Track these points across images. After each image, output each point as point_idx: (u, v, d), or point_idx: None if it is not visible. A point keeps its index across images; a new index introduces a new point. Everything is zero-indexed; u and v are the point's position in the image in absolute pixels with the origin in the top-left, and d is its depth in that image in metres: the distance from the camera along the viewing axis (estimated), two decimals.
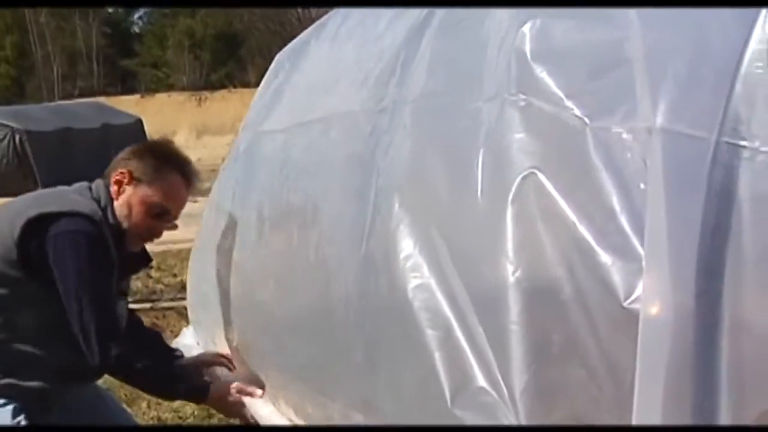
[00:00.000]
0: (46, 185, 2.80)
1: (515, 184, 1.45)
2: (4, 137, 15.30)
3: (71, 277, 1.99)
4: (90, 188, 2.16)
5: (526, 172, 1.45)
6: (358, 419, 1.75)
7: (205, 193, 3.19)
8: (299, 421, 2.09)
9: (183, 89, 42.62)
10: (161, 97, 40.34)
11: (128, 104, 29.73)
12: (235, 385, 2.23)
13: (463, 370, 1.41)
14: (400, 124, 1.85)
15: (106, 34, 52.57)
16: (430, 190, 1.69)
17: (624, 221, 1.29)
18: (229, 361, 2.52)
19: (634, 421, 1.16)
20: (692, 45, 1.44)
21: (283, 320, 2.19)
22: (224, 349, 2.61)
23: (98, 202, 2.11)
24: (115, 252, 2.10)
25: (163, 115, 29.73)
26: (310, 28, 2.88)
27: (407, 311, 1.56)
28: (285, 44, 3.13)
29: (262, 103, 2.88)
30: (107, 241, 2.05)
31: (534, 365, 1.32)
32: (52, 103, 26.27)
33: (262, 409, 2.21)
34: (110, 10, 50.83)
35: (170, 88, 44.83)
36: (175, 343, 2.91)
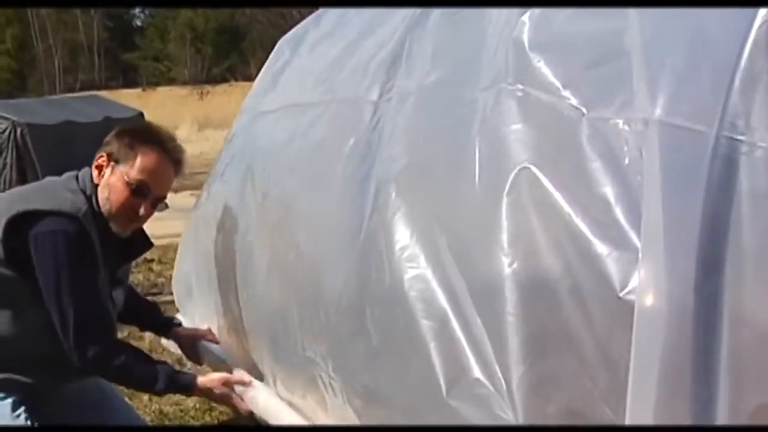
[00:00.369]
0: None
1: (512, 175, 1.45)
2: (5, 130, 15.30)
3: (51, 279, 1.98)
4: (77, 178, 2.15)
5: (522, 164, 1.45)
6: (357, 405, 1.75)
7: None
8: (298, 407, 2.07)
9: (185, 83, 42.62)
10: (163, 90, 40.34)
11: (130, 98, 29.72)
12: (220, 377, 2.20)
13: (459, 361, 1.41)
14: (398, 113, 1.85)
15: (108, 27, 52.58)
16: (427, 180, 1.69)
17: (620, 212, 1.29)
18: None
19: (628, 412, 1.16)
20: (691, 37, 1.43)
21: (277, 308, 2.18)
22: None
23: (84, 192, 2.10)
24: (102, 243, 2.07)
25: (165, 108, 29.72)
26: (310, 16, 2.88)
27: (404, 302, 1.55)
28: None
29: (261, 88, 2.88)
30: (89, 238, 2.03)
31: (530, 357, 1.32)
32: (54, 97, 26.28)
33: (260, 394, 2.19)
34: None
35: (172, 81, 44.82)
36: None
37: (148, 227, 2.33)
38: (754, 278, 1.23)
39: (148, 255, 6.67)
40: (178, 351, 2.71)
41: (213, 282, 2.61)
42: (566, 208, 1.35)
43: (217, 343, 2.60)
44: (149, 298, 5.50)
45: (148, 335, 4.51)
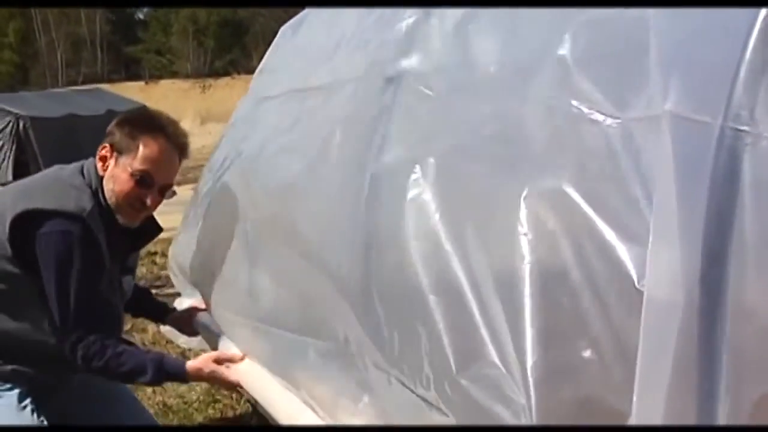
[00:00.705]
0: None
1: (530, 165, 1.46)
2: (8, 124, 15.32)
3: (53, 279, 1.98)
4: (83, 170, 2.13)
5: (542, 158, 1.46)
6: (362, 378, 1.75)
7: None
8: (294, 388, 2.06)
9: (187, 76, 42.63)
10: (165, 83, 40.36)
11: (132, 91, 29.79)
12: (209, 355, 2.19)
13: (474, 342, 1.41)
14: (410, 98, 1.84)
15: (110, 21, 52.57)
16: (447, 163, 1.67)
17: (638, 203, 1.29)
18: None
19: (635, 400, 1.17)
20: (699, 30, 1.44)
21: (281, 289, 2.18)
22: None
23: (90, 186, 2.09)
24: (110, 236, 2.07)
25: (168, 102, 29.72)
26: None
27: (418, 280, 1.56)
28: None
29: (263, 72, 2.87)
30: (93, 238, 2.02)
31: (546, 343, 1.32)
32: (56, 90, 26.30)
33: (251, 369, 2.17)
34: None
35: (174, 75, 44.83)
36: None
37: None
38: (756, 269, 1.23)
39: (151, 248, 6.72)
40: (182, 344, 2.72)
41: (213, 264, 2.60)
42: (584, 199, 1.35)
43: (210, 314, 2.59)
44: (153, 291, 5.54)
45: (152, 328, 4.53)
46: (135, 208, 2.12)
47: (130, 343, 2.16)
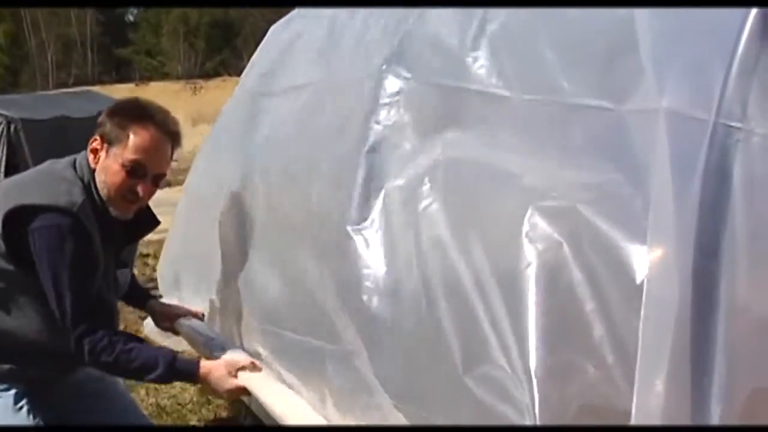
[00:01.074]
0: None
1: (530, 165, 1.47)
2: None
3: (48, 274, 1.97)
4: (75, 164, 2.11)
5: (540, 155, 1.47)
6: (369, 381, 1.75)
7: None
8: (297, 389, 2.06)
9: (178, 77, 42.59)
10: (156, 85, 40.29)
11: (123, 93, 29.61)
12: (226, 362, 2.12)
13: (479, 343, 1.42)
14: (403, 97, 1.84)
15: (101, 22, 52.41)
16: (450, 164, 1.68)
17: (637, 201, 1.30)
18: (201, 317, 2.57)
19: (635, 397, 1.18)
20: (693, 26, 1.45)
21: (278, 291, 2.18)
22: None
23: (82, 179, 2.08)
24: (104, 229, 2.05)
25: (158, 103, 29.62)
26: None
27: (422, 282, 1.56)
28: None
29: (254, 69, 2.86)
30: (85, 232, 2.00)
31: (550, 344, 1.33)
32: (47, 92, 26.21)
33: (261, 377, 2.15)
34: None
35: (165, 76, 44.77)
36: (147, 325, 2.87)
37: None
38: (748, 263, 1.24)
39: (143, 249, 6.68)
40: (179, 344, 2.70)
41: (208, 263, 2.58)
42: (585, 197, 1.36)
43: (201, 320, 2.57)
44: None
45: (147, 330, 4.52)
46: (127, 199, 2.10)
47: (139, 339, 2.15)
